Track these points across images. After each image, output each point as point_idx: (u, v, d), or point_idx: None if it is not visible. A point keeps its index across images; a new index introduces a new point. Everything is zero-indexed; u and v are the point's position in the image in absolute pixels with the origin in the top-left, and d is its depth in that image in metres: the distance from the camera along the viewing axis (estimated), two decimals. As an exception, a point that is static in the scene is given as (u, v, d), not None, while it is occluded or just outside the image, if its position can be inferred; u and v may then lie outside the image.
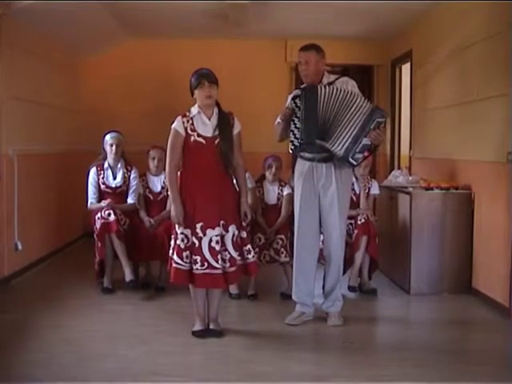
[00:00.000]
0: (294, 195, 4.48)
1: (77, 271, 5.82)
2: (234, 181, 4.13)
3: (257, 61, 7.85)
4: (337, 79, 4.33)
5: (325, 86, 4.20)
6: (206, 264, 3.86)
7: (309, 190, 4.30)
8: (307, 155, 4.31)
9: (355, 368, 3.57)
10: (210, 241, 3.88)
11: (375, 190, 5.47)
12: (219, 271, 3.89)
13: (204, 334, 4.02)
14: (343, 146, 4.10)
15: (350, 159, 4.13)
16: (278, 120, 4.37)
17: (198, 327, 4.07)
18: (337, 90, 4.15)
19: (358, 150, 4.11)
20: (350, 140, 4.09)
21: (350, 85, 4.30)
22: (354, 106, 4.11)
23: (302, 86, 4.37)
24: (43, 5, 5.20)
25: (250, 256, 4.05)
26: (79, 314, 4.57)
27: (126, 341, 4.00)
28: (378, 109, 4.19)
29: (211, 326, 4.09)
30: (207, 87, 3.91)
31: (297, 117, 4.22)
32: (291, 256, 4.88)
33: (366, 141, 4.10)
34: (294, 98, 4.27)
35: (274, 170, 5.17)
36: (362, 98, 4.14)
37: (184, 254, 3.90)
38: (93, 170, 5.37)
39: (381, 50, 7.87)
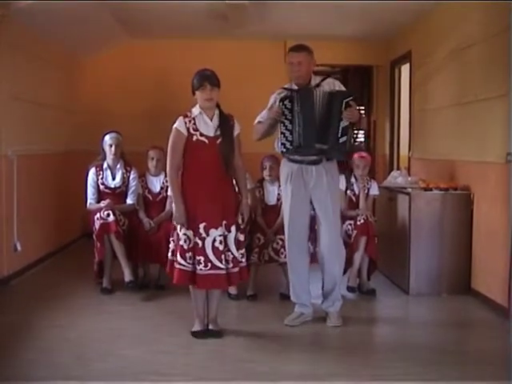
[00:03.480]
0: (283, 197, 4.47)
1: (76, 272, 5.82)
2: (234, 182, 4.15)
3: (256, 62, 7.84)
4: (322, 80, 4.33)
5: (315, 88, 4.21)
6: (209, 264, 3.86)
7: (299, 192, 4.30)
8: (297, 158, 4.30)
9: (354, 368, 3.58)
10: (214, 241, 3.87)
11: (374, 190, 5.47)
12: (223, 271, 3.88)
13: (203, 334, 4.03)
14: (329, 141, 4.13)
15: (338, 146, 4.14)
16: (260, 119, 4.37)
17: (197, 327, 4.07)
18: (324, 92, 4.18)
19: (340, 135, 4.12)
20: (333, 132, 4.11)
21: (336, 85, 4.32)
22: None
23: (290, 87, 4.34)
24: (43, 5, 5.21)
25: (243, 260, 4.04)
26: (79, 314, 4.58)
27: (125, 341, 4.01)
28: (338, 91, 4.23)
29: (210, 327, 4.09)
30: (209, 90, 3.91)
31: (287, 119, 4.20)
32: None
33: (343, 123, 4.12)
34: (282, 100, 4.23)
35: (268, 169, 5.17)
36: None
37: (187, 254, 3.90)
38: (92, 171, 5.37)
39: (380, 51, 7.87)
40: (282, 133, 4.23)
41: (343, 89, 4.34)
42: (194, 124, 3.95)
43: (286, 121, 4.21)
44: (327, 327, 4.28)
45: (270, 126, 4.31)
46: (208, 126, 3.96)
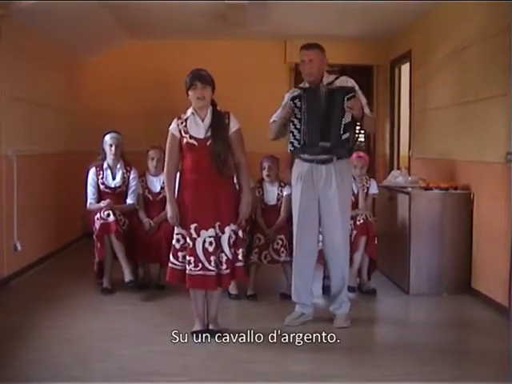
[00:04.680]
0: (292, 196, 4.46)
1: (76, 272, 5.82)
2: (235, 180, 4.14)
3: (256, 61, 7.85)
4: (336, 79, 4.31)
5: (325, 87, 4.19)
6: (200, 265, 3.87)
7: (308, 192, 4.27)
8: (307, 157, 4.28)
9: (354, 368, 3.58)
10: (204, 242, 3.88)
11: (374, 189, 5.47)
12: (212, 273, 3.89)
13: (203, 334, 4.02)
14: (332, 138, 4.11)
15: (340, 143, 4.11)
16: (274, 118, 4.36)
17: (197, 327, 4.06)
18: (326, 89, 4.16)
19: (342, 132, 4.10)
20: (335, 129, 4.10)
21: (349, 84, 4.28)
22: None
23: (301, 86, 4.36)
24: (43, 5, 5.21)
25: (241, 259, 4.03)
26: (79, 314, 4.58)
27: (125, 341, 4.00)
28: (340, 87, 4.20)
29: (211, 327, 4.09)
30: (199, 88, 3.90)
31: (296, 118, 4.20)
32: (291, 256, 4.88)
33: (345, 120, 4.09)
34: (293, 99, 4.25)
35: (267, 169, 5.17)
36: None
37: (180, 254, 3.94)
38: (92, 171, 5.37)
39: (380, 51, 7.87)
40: (291, 131, 4.23)
41: (357, 87, 4.29)
42: (185, 126, 3.96)
43: (295, 119, 4.21)
44: (329, 327, 4.23)
45: (283, 125, 4.30)
46: (199, 128, 3.95)
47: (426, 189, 5.37)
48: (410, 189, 5.42)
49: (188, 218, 3.91)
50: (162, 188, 5.33)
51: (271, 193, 5.23)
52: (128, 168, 5.41)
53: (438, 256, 5.21)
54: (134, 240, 5.15)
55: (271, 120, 4.41)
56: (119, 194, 5.35)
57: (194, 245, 3.88)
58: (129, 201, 5.35)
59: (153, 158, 5.32)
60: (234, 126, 4.02)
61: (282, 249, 4.97)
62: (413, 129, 6.95)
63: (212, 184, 3.93)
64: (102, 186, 5.35)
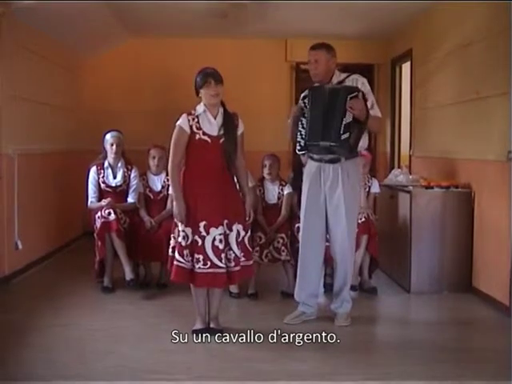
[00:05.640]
0: (302, 196, 4.45)
1: (77, 270, 5.82)
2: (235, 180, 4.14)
3: (257, 60, 7.85)
4: (347, 77, 4.29)
5: (329, 86, 4.18)
6: (209, 263, 3.85)
7: (315, 192, 4.26)
8: (315, 156, 4.27)
9: (355, 366, 3.57)
10: (214, 240, 3.87)
11: (375, 188, 5.47)
12: (222, 270, 3.88)
13: (204, 332, 4.02)
14: (332, 137, 4.06)
15: (339, 143, 4.05)
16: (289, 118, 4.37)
17: (198, 326, 4.06)
18: (329, 88, 4.14)
19: (342, 132, 4.04)
20: (335, 128, 4.05)
21: (359, 82, 4.25)
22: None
23: (313, 86, 4.33)
24: (44, 4, 5.20)
25: (253, 257, 4.06)
26: (79, 312, 4.58)
27: (126, 339, 4.01)
28: (343, 86, 4.16)
29: (212, 325, 4.09)
30: (213, 86, 3.90)
31: (304, 117, 4.20)
32: (292, 255, 4.89)
33: (346, 120, 4.04)
34: (303, 98, 4.25)
35: (268, 168, 5.17)
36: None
37: (184, 252, 3.90)
38: (93, 169, 5.38)
39: (381, 49, 7.88)
40: (298, 131, 4.23)
41: (367, 86, 4.29)
42: (198, 122, 3.94)
43: (303, 119, 4.21)
44: (329, 326, 4.25)
45: (295, 125, 4.28)
46: (211, 125, 3.95)
47: (427, 187, 5.37)
48: (410, 187, 5.42)
49: (197, 215, 3.89)
50: (163, 187, 5.34)
51: (272, 191, 5.22)
52: (129, 167, 5.41)
53: (439, 254, 5.21)
54: (134, 239, 5.15)
55: (288, 120, 4.40)
56: (120, 192, 5.36)
57: (203, 243, 3.86)
58: (130, 199, 5.35)
59: (154, 157, 5.32)
60: (241, 127, 4.05)
61: (283, 247, 4.97)
62: (413, 127, 6.95)
63: (220, 182, 3.94)
64: (102, 185, 5.35)
